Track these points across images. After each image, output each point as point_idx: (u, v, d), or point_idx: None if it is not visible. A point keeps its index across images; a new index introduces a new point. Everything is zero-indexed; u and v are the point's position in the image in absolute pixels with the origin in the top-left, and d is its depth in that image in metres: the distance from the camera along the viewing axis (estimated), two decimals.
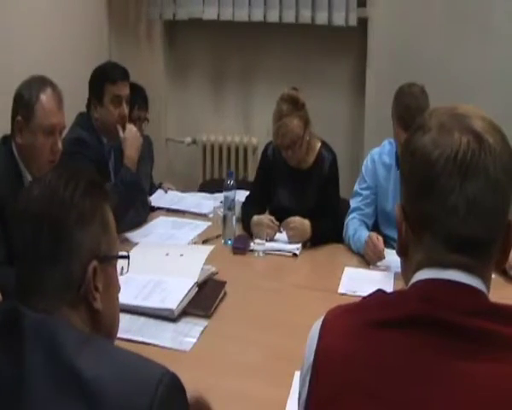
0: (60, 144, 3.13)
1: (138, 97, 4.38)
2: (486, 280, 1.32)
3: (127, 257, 1.63)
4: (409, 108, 3.50)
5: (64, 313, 1.40)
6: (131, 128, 3.86)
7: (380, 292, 1.39)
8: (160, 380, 1.30)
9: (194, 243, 3.82)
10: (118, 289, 1.59)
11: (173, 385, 1.34)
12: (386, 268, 3.46)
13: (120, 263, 1.59)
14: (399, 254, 1.43)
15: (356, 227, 3.79)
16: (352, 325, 1.33)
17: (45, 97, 3.09)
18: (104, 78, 3.85)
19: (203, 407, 1.92)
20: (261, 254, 3.66)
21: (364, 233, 3.66)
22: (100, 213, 1.49)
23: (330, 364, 1.31)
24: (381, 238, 3.54)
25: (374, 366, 1.26)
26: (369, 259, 3.55)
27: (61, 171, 1.51)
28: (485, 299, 1.30)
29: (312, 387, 1.33)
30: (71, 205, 1.43)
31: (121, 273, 1.60)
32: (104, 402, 1.26)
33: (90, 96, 3.91)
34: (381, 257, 3.49)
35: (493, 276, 1.36)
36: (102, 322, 1.49)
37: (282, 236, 3.83)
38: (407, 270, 1.39)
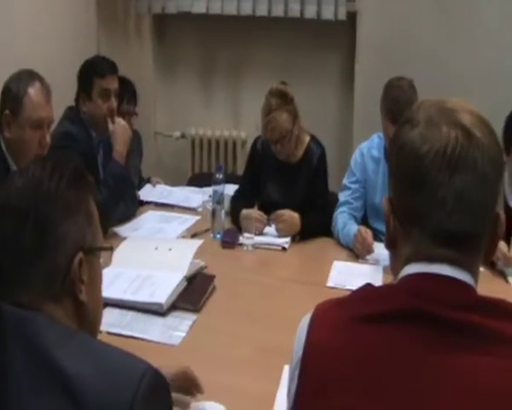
0: (48, 138, 3.12)
1: (127, 91, 4.36)
2: (475, 274, 1.32)
3: (111, 249, 1.62)
4: (397, 102, 3.52)
5: (48, 308, 1.39)
6: (120, 121, 3.85)
7: (369, 286, 1.39)
8: (143, 376, 1.29)
9: (183, 237, 3.82)
10: (101, 280, 1.58)
11: (156, 381, 1.33)
12: (375, 262, 3.47)
13: (102, 256, 1.58)
14: (387, 247, 1.43)
15: (345, 221, 3.80)
16: (341, 319, 1.33)
17: (33, 91, 3.07)
18: (93, 71, 3.83)
19: (190, 379, 1.94)
20: (250, 247, 3.66)
21: (353, 227, 3.67)
22: (85, 204, 1.48)
23: (319, 358, 1.31)
24: (369, 232, 3.55)
25: (362, 360, 1.26)
26: (358, 252, 3.56)
27: (45, 162, 1.49)
28: (473, 292, 1.30)
29: (301, 381, 1.33)
30: (56, 196, 1.42)
31: (103, 266, 1.59)
32: (87, 398, 1.25)
33: (78, 90, 3.89)
34: (370, 251, 3.49)
35: (481, 269, 1.37)
36: (87, 315, 1.48)
37: (271, 229, 3.83)
38: (396, 263, 1.40)
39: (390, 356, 1.24)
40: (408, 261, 1.33)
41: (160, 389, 1.36)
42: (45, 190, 1.42)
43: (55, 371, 1.27)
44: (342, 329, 1.31)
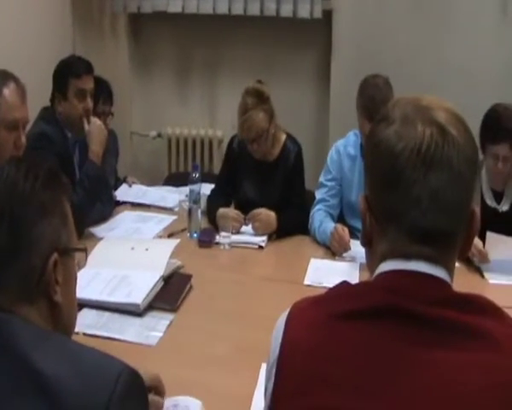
0: (23, 139, 3.08)
1: (103, 92, 4.34)
2: (450, 270, 1.33)
3: (85, 250, 1.64)
4: (373, 99, 3.54)
5: (22, 310, 1.38)
6: (96, 121, 3.83)
7: (345, 283, 1.39)
8: (119, 375, 1.29)
9: (160, 236, 3.81)
10: (76, 281, 1.58)
11: (132, 381, 1.33)
12: (352, 259, 3.48)
13: (77, 257, 1.58)
14: (363, 244, 1.44)
15: (321, 219, 3.80)
16: (318, 316, 1.33)
17: (8, 92, 3.03)
18: (68, 72, 3.81)
19: (158, 386, 1.94)
20: (227, 246, 3.66)
21: (330, 225, 3.68)
22: (60, 205, 1.48)
23: (296, 357, 1.31)
24: (346, 229, 3.56)
25: (340, 357, 1.26)
26: (334, 250, 3.57)
27: (19, 163, 1.49)
28: (449, 289, 1.31)
29: (278, 380, 1.33)
30: (31, 197, 1.41)
31: (78, 268, 1.59)
32: (63, 399, 1.24)
33: (53, 90, 3.87)
34: (347, 248, 3.50)
35: (457, 265, 1.38)
36: (61, 316, 1.47)
37: (247, 228, 3.83)
38: (372, 260, 1.40)
39: (368, 353, 1.25)
40: (384, 258, 1.34)
41: (137, 389, 1.36)
42: (20, 191, 1.41)
43: (31, 373, 1.26)
44: (320, 326, 1.31)
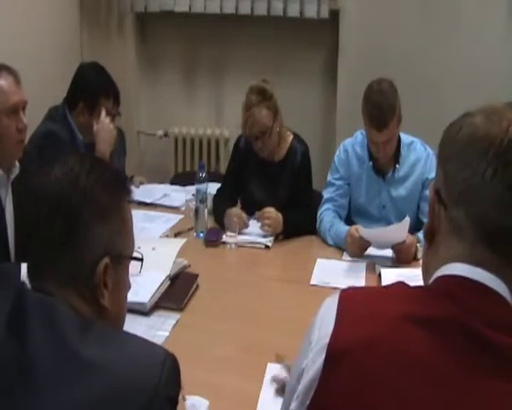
0: (25, 120, 3.09)
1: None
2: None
3: (141, 259, 1.62)
4: (380, 107, 3.48)
5: (69, 297, 1.39)
6: (104, 121, 3.85)
7: (402, 284, 1.34)
8: (165, 359, 1.34)
9: (167, 236, 3.82)
10: (127, 289, 1.58)
11: (176, 365, 1.37)
12: (359, 259, 3.45)
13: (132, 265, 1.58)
14: (426, 239, 1.37)
15: (331, 220, 3.77)
16: (377, 313, 1.27)
17: (2, 80, 3.04)
18: (102, 91, 3.90)
19: None
20: (233, 246, 3.66)
21: (342, 227, 3.65)
22: (119, 211, 1.49)
23: (353, 353, 1.23)
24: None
25: (397, 361, 1.20)
26: (351, 253, 3.52)
27: (85, 159, 1.50)
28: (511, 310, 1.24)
29: (333, 371, 1.24)
30: (91, 196, 1.42)
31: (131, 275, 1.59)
32: (112, 382, 1.28)
33: (78, 98, 3.88)
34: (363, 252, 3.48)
35: None
36: (108, 318, 1.48)
37: (254, 228, 3.83)
38: (430, 258, 1.35)
39: (424, 362, 1.19)
40: (448, 260, 1.28)
41: (178, 372, 1.40)
42: (81, 188, 1.42)
43: (75, 360, 1.28)
44: (379, 324, 1.25)
